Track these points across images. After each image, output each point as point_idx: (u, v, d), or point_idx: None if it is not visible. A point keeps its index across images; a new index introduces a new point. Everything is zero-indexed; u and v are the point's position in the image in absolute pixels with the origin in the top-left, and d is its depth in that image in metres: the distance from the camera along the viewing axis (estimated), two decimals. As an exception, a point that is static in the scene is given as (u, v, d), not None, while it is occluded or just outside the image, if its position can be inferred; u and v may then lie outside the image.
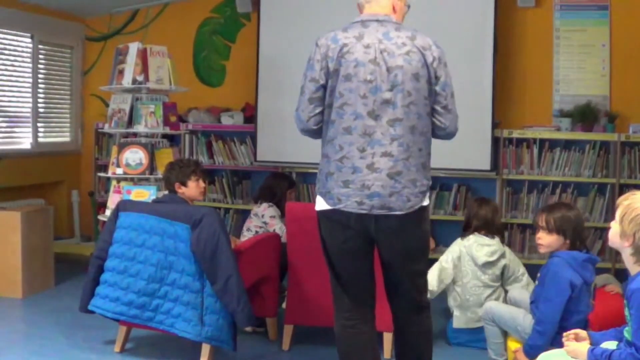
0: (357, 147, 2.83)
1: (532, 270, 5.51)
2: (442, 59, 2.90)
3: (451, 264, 4.25)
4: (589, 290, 3.35)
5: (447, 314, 4.45)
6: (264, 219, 4.86)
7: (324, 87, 2.87)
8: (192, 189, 4.14)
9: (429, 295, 4.17)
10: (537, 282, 3.45)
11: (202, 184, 4.18)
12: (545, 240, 3.37)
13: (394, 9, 2.96)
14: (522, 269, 4.35)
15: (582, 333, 2.60)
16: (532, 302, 3.44)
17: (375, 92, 2.82)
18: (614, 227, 2.39)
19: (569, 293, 3.21)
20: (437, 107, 2.93)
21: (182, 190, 4.12)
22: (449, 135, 3.02)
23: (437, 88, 2.90)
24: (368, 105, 2.82)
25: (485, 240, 4.25)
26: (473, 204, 4.44)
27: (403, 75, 2.83)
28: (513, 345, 3.59)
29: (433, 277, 4.20)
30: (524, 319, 3.49)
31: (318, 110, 2.89)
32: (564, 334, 2.64)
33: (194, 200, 4.20)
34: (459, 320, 4.26)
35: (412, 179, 2.88)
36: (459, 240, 4.32)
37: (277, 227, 4.70)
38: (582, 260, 3.28)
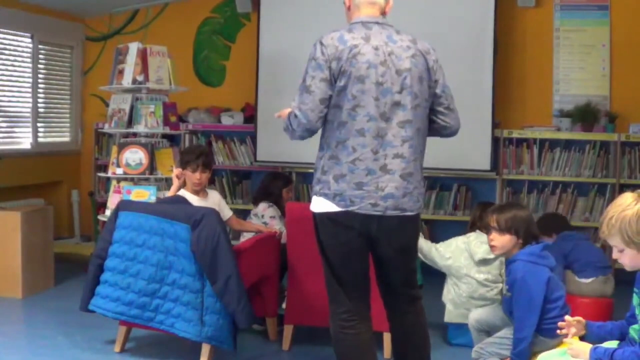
0: (370, 149, 2.84)
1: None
2: (439, 62, 3.02)
3: (442, 252, 4.28)
4: (556, 274, 3.32)
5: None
6: (264, 219, 4.84)
7: (334, 88, 2.84)
8: (188, 177, 4.26)
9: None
10: (507, 292, 3.40)
11: (197, 175, 4.20)
12: (498, 241, 3.33)
13: (385, 11, 3.02)
14: None
15: (582, 320, 2.59)
16: (511, 314, 3.38)
17: (385, 94, 2.85)
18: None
19: (544, 291, 3.16)
20: (441, 109, 3.02)
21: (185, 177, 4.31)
22: (454, 132, 3.12)
23: (438, 90, 3.00)
24: (380, 107, 2.84)
25: (486, 238, 4.24)
26: (477, 209, 4.44)
27: (411, 78, 2.88)
28: None
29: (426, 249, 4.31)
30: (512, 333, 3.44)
31: (325, 110, 2.87)
32: (559, 324, 2.63)
33: (197, 190, 4.26)
34: (450, 314, 4.25)
35: (420, 179, 2.98)
36: (460, 237, 4.32)
37: (278, 227, 4.68)
38: (540, 251, 3.26)
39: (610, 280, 4.48)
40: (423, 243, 4.31)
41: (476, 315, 3.70)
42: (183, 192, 4.26)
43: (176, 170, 4.29)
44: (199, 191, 4.34)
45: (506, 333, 3.39)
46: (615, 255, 2.34)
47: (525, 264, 3.20)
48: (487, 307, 3.87)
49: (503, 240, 3.31)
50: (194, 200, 4.29)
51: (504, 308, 3.46)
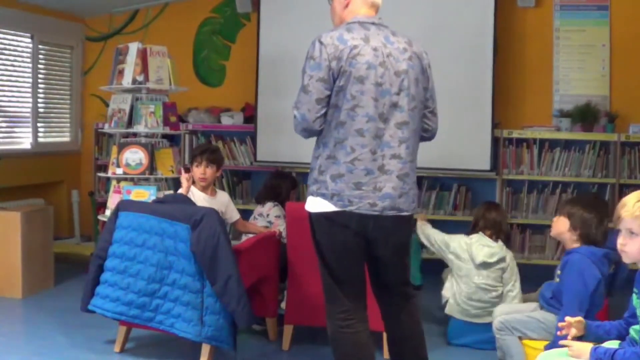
0: (369, 149, 2.85)
1: (532, 270, 5.52)
2: (430, 66, 3.04)
3: (442, 244, 4.33)
4: (604, 284, 3.37)
5: (447, 315, 4.44)
6: (269, 218, 4.82)
7: (332, 87, 2.84)
8: (194, 172, 4.34)
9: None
10: (557, 279, 3.43)
11: (201, 169, 4.30)
12: (555, 224, 3.50)
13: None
14: (515, 279, 4.25)
15: (583, 321, 2.59)
16: (551, 298, 3.43)
17: (384, 95, 2.85)
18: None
19: (593, 288, 3.23)
20: (426, 112, 3.05)
21: (192, 173, 4.36)
22: (432, 136, 3.15)
23: (427, 94, 3.02)
24: (378, 108, 2.85)
25: (488, 241, 4.24)
26: (481, 207, 4.44)
27: (408, 80, 2.90)
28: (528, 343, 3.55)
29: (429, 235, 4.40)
30: (543, 316, 3.47)
31: (324, 111, 2.85)
32: (559, 324, 2.62)
33: (203, 185, 4.35)
34: (451, 307, 4.26)
35: (415, 180, 3.00)
36: (463, 235, 4.32)
37: (282, 227, 4.63)
38: (601, 256, 3.33)
39: None
40: (431, 232, 4.41)
41: (504, 309, 3.77)
42: (192, 189, 4.30)
43: (183, 174, 4.31)
44: (206, 188, 4.36)
45: (538, 315, 3.45)
46: (623, 240, 2.30)
47: (583, 258, 3.30)
48: (516, 304, 3.93)
49: (558, 223, 3.47)
50: (201, 197, 4.30)
51: (543, 293, 3.53)
